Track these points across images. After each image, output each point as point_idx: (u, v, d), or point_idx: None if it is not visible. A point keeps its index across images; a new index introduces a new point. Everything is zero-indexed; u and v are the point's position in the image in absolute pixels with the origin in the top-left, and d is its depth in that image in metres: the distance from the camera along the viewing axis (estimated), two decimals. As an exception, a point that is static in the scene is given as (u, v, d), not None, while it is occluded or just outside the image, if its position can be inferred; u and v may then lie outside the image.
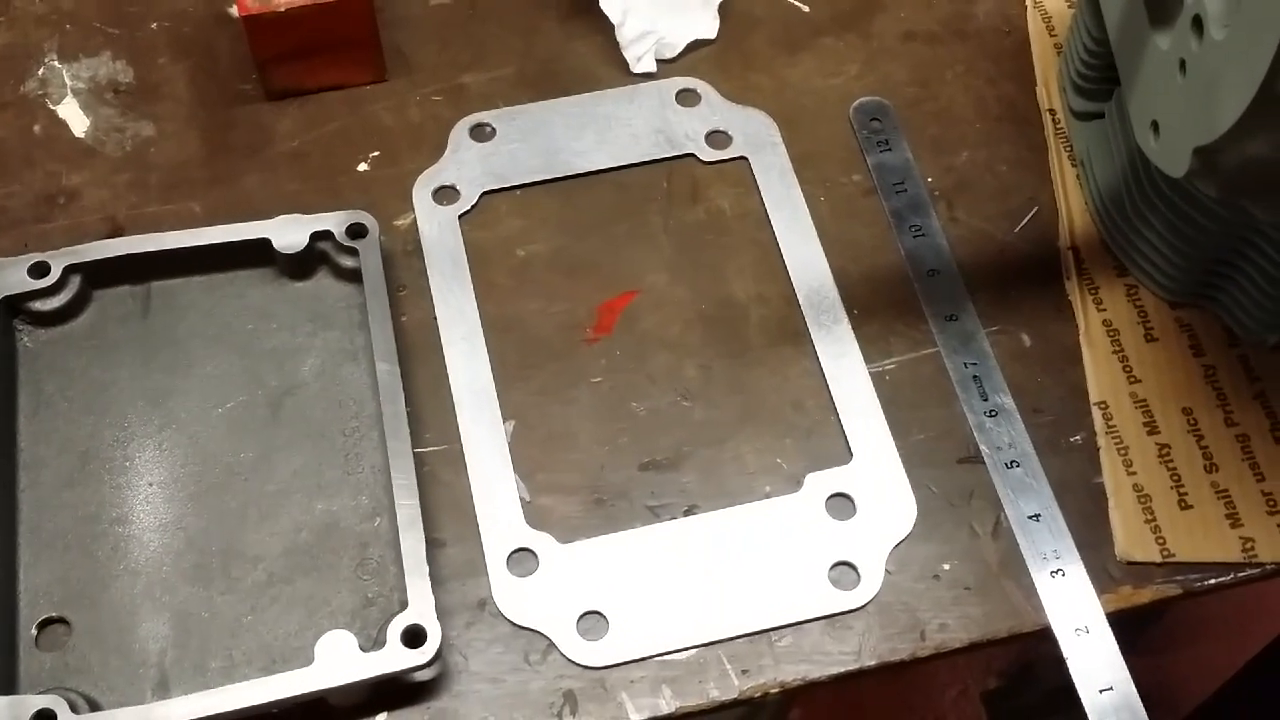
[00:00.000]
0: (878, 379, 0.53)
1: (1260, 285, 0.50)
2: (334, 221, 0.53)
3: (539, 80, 0.60)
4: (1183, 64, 0.42)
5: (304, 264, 0.53)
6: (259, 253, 0.53)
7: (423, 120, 0.58)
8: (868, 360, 0.53)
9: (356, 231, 0.53)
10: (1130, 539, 0.49)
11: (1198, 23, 0.41)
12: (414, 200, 0.56)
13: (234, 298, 0.53)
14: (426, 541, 0.47)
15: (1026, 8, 0.62)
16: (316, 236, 0.53)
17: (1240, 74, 0.38)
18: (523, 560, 0.49)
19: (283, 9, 0.54)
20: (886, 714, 1.01)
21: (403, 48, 0.60)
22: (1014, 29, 0.61)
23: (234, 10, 0.60)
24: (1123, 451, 0.51)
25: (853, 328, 0.54)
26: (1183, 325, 0.53)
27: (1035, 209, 0.57)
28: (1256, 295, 0.51)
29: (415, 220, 0.56)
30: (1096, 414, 0.51)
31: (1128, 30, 0.47)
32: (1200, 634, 1.09)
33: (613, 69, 0.60)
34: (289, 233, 0.53)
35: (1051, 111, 0.59)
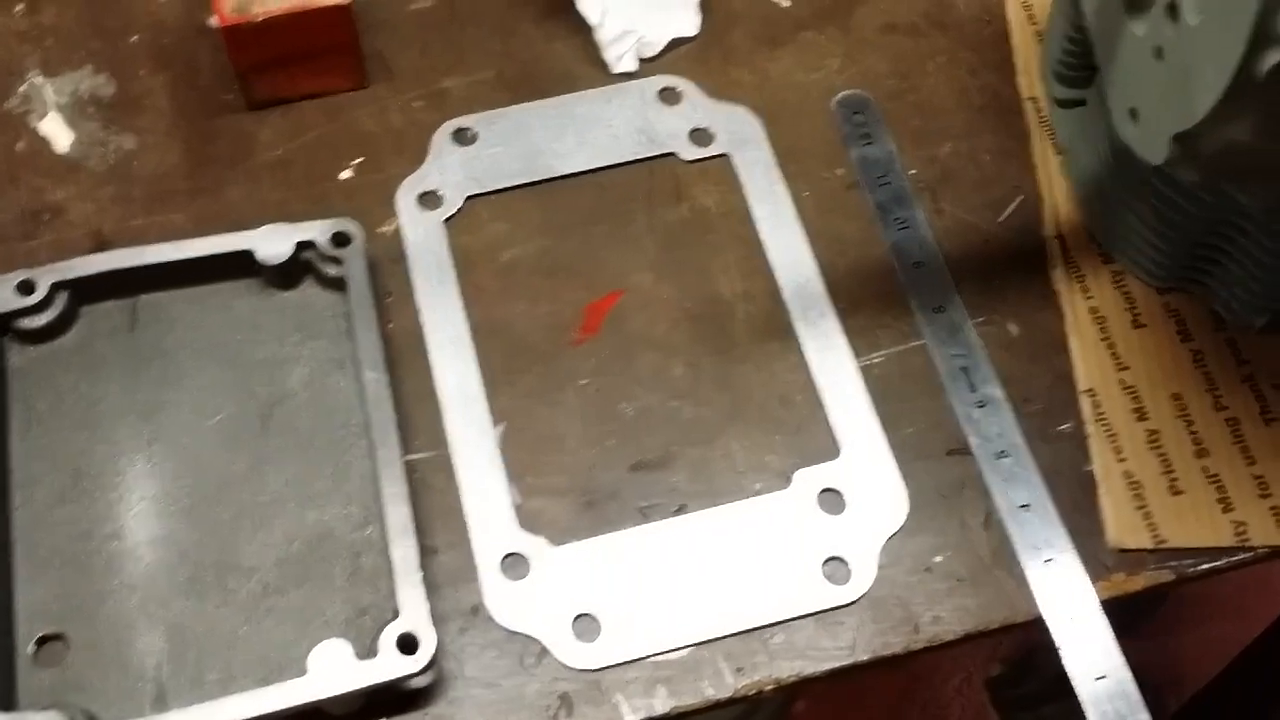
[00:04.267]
0: (865, 372, 0.53)
1: (1246, 268, 0.50)
2: (318, 230, 0.53)
3: (520, 82, 0.60)
4: (1159, 50, 0.42)
5: (289, 274, 0.53)
6: (244, 264, 0.53)
7: (404, 126, 0.58)
8: (855, 354, 0.53)
9: (341, 240, 0.53)
10: (1122, 526, 0.49)
11: (1173, 9, 0.41)
12: (398, 206, 0.56)
13: (221, 309, 0.53)
14: (418, 548, 0.47)
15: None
16: (301, 246, 0.53)
17: (1216, 59, 0.38)
18: (514, 564, 0.49)
19: (260, 19, 0.53)
20: (890, 703, 1.01)
21: (383, 53, 0.60)
22: (994, 18, 0.61)
23: (213, 21, 0.60)
24: (1112, 439, 0.51)
25: (839, 322, 0.54)
26: (1170, 310, 0.53)
27: (1020, 198, 0.56)
28: (1242, 278, 0.51)
29: (399, 226, 0.56)
30: (1085, 402, 0.51)
31: (1104, 17, 0.47)
32: (1208, 612, 1.09)
33: (593, 69, 0.60)
34: (273, 243, 0.53)
35: (1033, 100, 0.58)
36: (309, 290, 0.54)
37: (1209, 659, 1.00)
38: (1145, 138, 0.44)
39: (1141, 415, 0.51)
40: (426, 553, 0.48)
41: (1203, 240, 0.51)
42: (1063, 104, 0.56)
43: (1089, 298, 0.54)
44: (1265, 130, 0.38)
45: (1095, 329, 0.53)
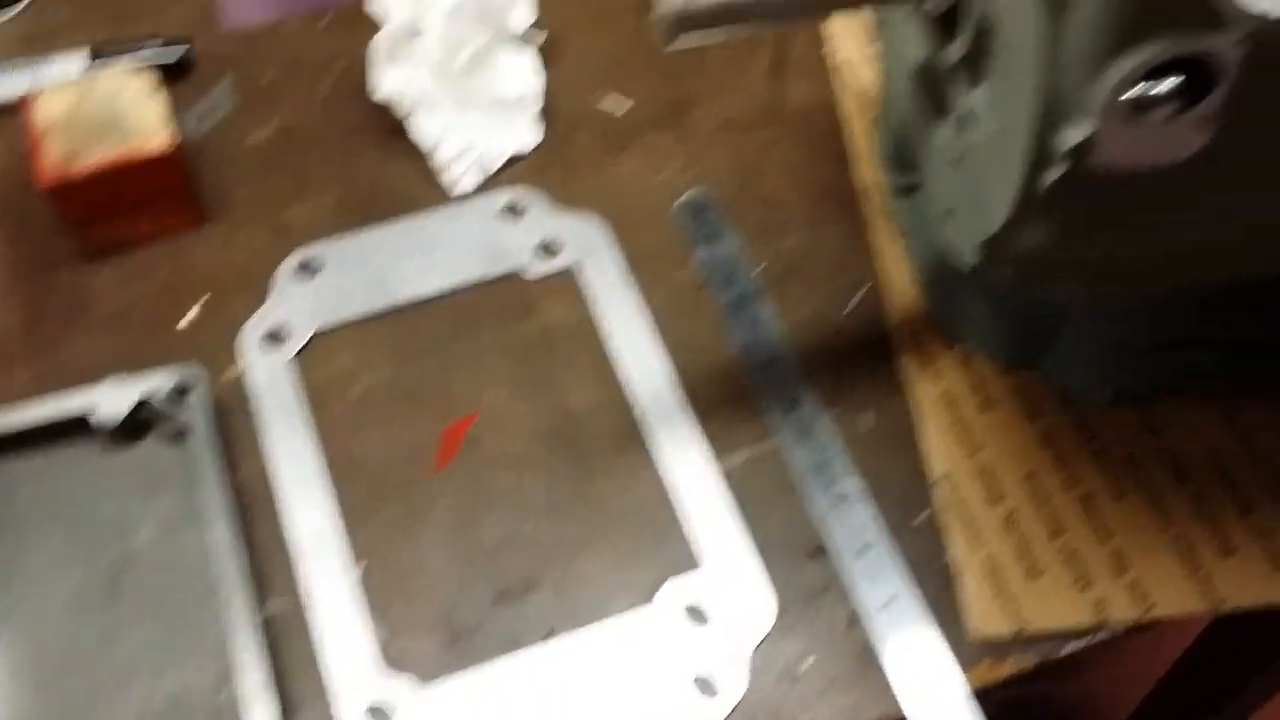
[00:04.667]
0: (725, 477, 0.52)
1: (1081, 348, 0.51)
2: (159, 381, 0.52)
3: (364, 206, 0.59)
4: (959, 158, 0.43)
5: (132, 429, 0.52)
6: (84, 424, 0.52)
7: (247, 261, 0.58)
8: (713, 459, 0.53)
9: (181, 390, 0.52)
10: (983, 615, 0.49)
11: (966, 120, 0.41)
12: (243, 347, 0.55)
13: (62, 473, 0.52)
14: (279, 706, 0.46)
15: (839, 87, 0.62)
16: (142, 400, 0.52)
17: (1004, 173, 0.38)
18: (379, 714, 0.48)
19: (82, 175, 0.53)
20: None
21: (222, 188, 0.60)
22: (829, 107, 0.62)
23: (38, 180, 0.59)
24: (969, 525, 0.51)
25: (695, 427, 0.53)
26: (1017, 390, 0.54)
27: (866, 286, 0.57)
28: (1080, 357, 0.51)
29: (246, 368, 0.55)
30: (941, 489, 0.52)
31: (915, 121, 0.48)
32: (1125, 645, 1.10)
33: (437, 188, 0.60)
34: (111, 400, 0.51)
35: (873, 186, 0.59)
36: (153, 444, 0.53)
37: (1130, 692, 1.01)
38: (957, 240, 0.44)
39: (997, 498, 0.51)
40: (289, 709, 0.47)
41: (1038, 323, 0.51)
42: (899, 190, 0.57)
43: (937, 382, 0.54)
44: (1060, 238, 0.39)
45: (946, 414, 0.53)
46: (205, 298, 0.57)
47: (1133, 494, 0.51)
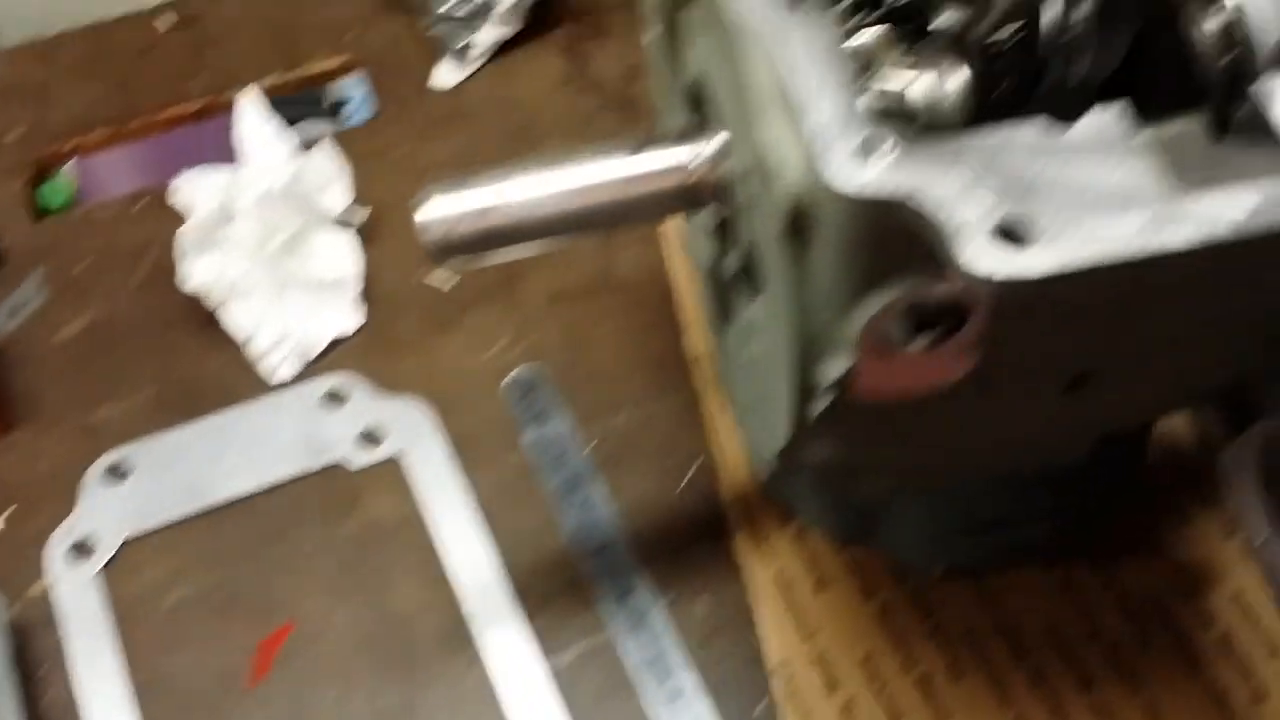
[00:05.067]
0: (557, 676, 0.50)
1: (909, 521, 0.50)
2: (-49, 611, 0.49)
3: (181, 402, 0.57)
4: (748, 366, 0.42)
5: (-79, 664, 0.49)
6: None
7: (55, 468, 0.55)
8: (544, 656, 0.50)
9: (-24, 618, 0.50)
10: (822, 815, 0.47)
11: (748, 331, 0.40)
12: (49, 561, 0.52)
13: None
14: None
15: (670, 253, 0.61)
16: (-68, 631, 0.49)
17: (778, 394, 0.37)
18: None
19: None
20: None
21: (29, 391, 0.57)
22: (661, 275, 0.61)
23: None
24: (806, 717, 0.49)
25: (525, 624, 0.51)
26: (853, 566, 0.52)
27: (698, 461, 0.55)
28: (910, 535, 0.50)
29: (51, 584, 0.52)
30: (777, 678, 0.50)
31: (713, 316, 0.47)
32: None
33: (257, 377, 0.58)
34: (-103, 636, 0.49)
35: (705, 355, 0.58)
36: (-54, 678, 0.50)
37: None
38: (754, 442, 0.43)
39: (833, 686, 0.50)
40: None
41: (865, 502, 0.50)
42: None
43: (772, 562, 0.52)
44: (845, 453, 0.38)
45: (781, 596, 0.52)
46: (9, 510, 0.54)
47: (971, 673, 0.50)
